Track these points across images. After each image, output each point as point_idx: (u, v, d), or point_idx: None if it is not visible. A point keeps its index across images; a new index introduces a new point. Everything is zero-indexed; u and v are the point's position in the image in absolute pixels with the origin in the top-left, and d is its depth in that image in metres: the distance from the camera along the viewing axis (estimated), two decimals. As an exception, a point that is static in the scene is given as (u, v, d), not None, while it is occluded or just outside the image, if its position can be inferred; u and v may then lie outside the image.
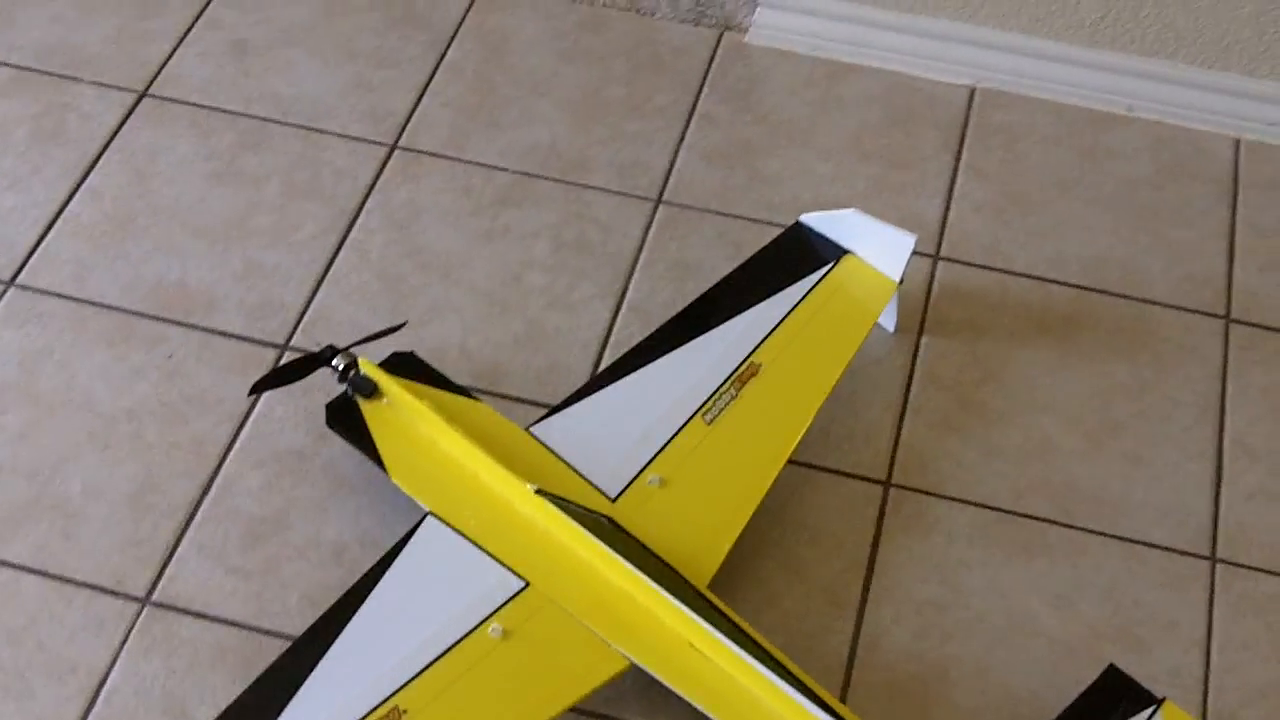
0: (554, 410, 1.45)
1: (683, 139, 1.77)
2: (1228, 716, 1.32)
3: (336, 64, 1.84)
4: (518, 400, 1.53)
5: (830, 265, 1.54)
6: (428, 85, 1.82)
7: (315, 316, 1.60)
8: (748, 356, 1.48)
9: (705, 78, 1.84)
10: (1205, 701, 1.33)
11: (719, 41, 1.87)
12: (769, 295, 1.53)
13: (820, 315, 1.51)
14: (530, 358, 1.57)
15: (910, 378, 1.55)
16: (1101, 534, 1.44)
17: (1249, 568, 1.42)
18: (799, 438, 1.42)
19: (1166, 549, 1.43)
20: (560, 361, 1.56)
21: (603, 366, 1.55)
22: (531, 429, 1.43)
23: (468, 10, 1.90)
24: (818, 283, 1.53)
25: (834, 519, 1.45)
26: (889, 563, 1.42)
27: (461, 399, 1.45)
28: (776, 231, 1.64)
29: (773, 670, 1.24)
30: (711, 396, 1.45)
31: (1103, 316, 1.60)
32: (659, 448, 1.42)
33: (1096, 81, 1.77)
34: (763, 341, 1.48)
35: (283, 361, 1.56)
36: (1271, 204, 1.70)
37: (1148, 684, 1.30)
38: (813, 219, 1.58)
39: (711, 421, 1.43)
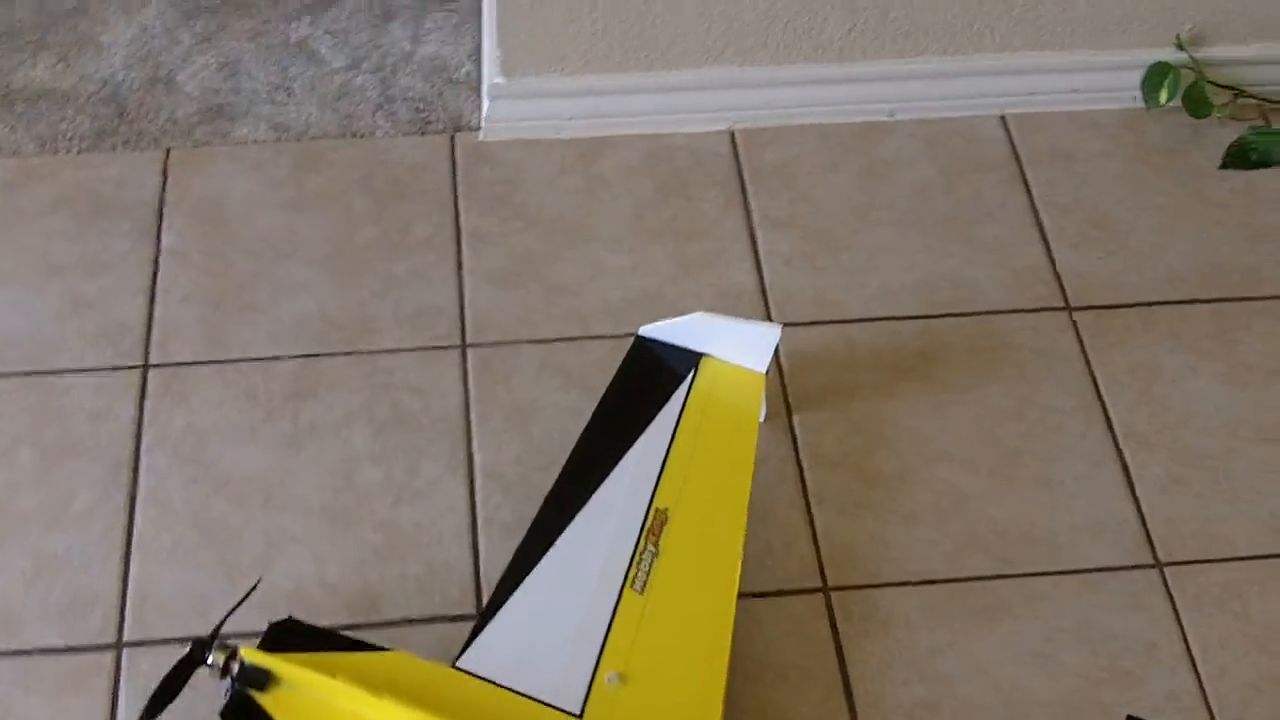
0: (474, 634, 1.28)
1: (460, 267, 1.60)
2: (1237, 722, 1.33)
3: (38, 285, 1.57)
4: (411, 623, 1.35)
5: (691, 374, 1.43)
6: (154, 283, 1.58)
7: (139, 598, 1.36)
8: (650, 505, 1.35)
9: (456, 191, 1.67)
10: (1212, 715, 1.32)
11: (453, 147, 1.70)
12: (643, 428, 1.40)
13: (704, 434, 1.40)
14: (401, 568, 1.38)
15: (800, 466, 1.46)
16: (1048, 573, 1.40)
17: (1192, 562, 1.41)
18: (738, 574, 1.32)
19: (1114, 569, 1.40)
20: (435, 561, 1.39)
21: (482, 550, 1.39)
22: (459, 664, 1.26)
23: (163, 184, 1.66)
24: (686, 398, 1.42)
25: (790, 647, 1.35)
26: (863, 675, 1.33)
27: (371, 654, 1.26)
28: (600, 346, 1.52)
29: None
30: (632, 562, 1.31)
31: (952, 341, 1.56)
32: (601, 640, 1.28)
33: (854, 95, 1.71)
34: (658, 483, 1.36)
35: (124, 665, 1.32)
36: (1059, 175, 1.69)
37: (1156, 716, 1.28)
38: (655, 330, 1.45)
39: (643, 589, 1.30)
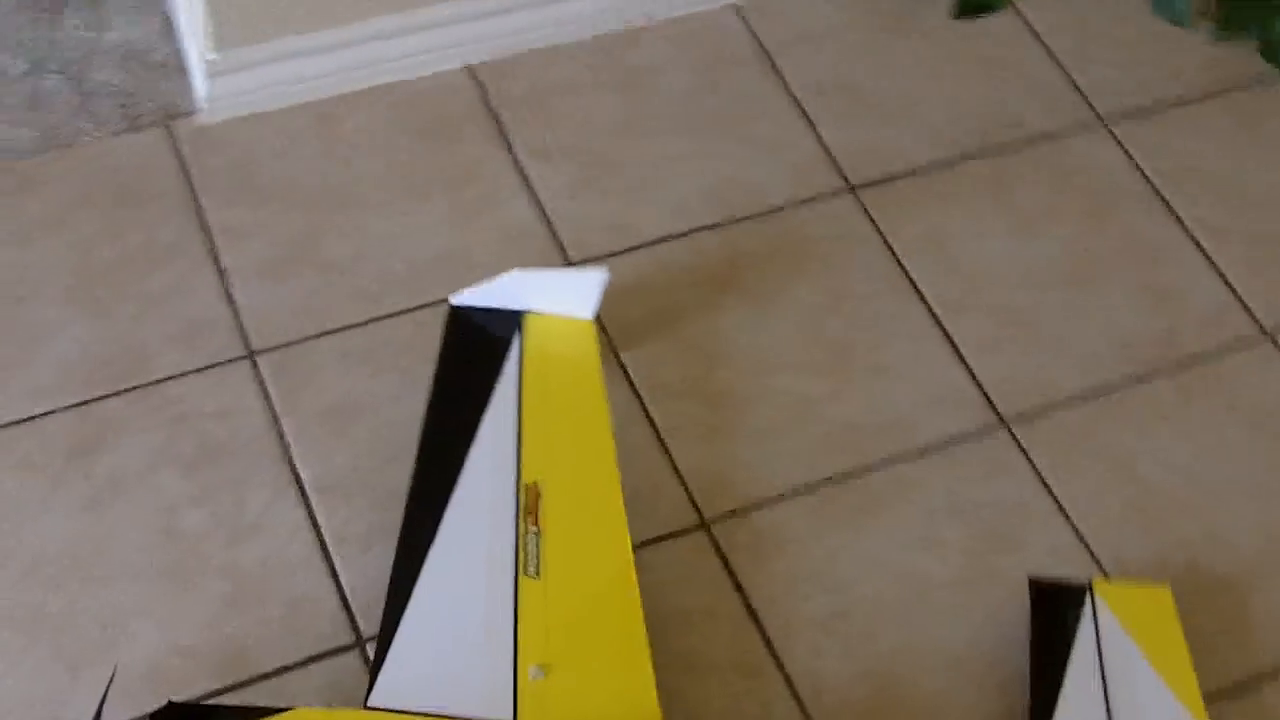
0: (375, 667, 1.17)
1: (219, 267, 1.45)
2: (1119, 558, 1.36)
3: None
4: (289, 670, 1.23)
5: (518, 337, 1.35)
6: (-127, 359, 1.37)
7: (-27, 723, 1.19)
8: (518, 484, 1.27)
9: (190, 185, 1.50)
10: (1096, 559, 1.36)
11: (173, 137, 1.53)
12: (486, 405, 1.31)
13: (550, 395, 1.32)
14: (259, 612, 1.26)
15: (643, 403, 1.40)
16: (907, 457, 1.40)
17: (1034, 415, 1.44)
18: (627, 534, 1.26)
19: (965, 437, 1.42)
20: (294, 595, 1.27)
21: (340, 571, 1.28)
22: (370, 704, 1.16)
23: None
24: (521, 362, 1.34)
25: (687, 590, 1.31)
26: (767, 600, 1.30)
27: (271, 720, 1.15)
28: (400, 323, 1.42)
29: None
30: (518, 549, 1.24)
31: (754, 246, 1.52)
32: (512, 637, 1.20)
33: (590, 8, 1.63)
34: (520, 459, 1.28)
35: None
36: (807, 57, 1.67)
37: (1047, 572, 1.31)
38: (469, 297, 1.36)
39: (538, 573, 1.23)
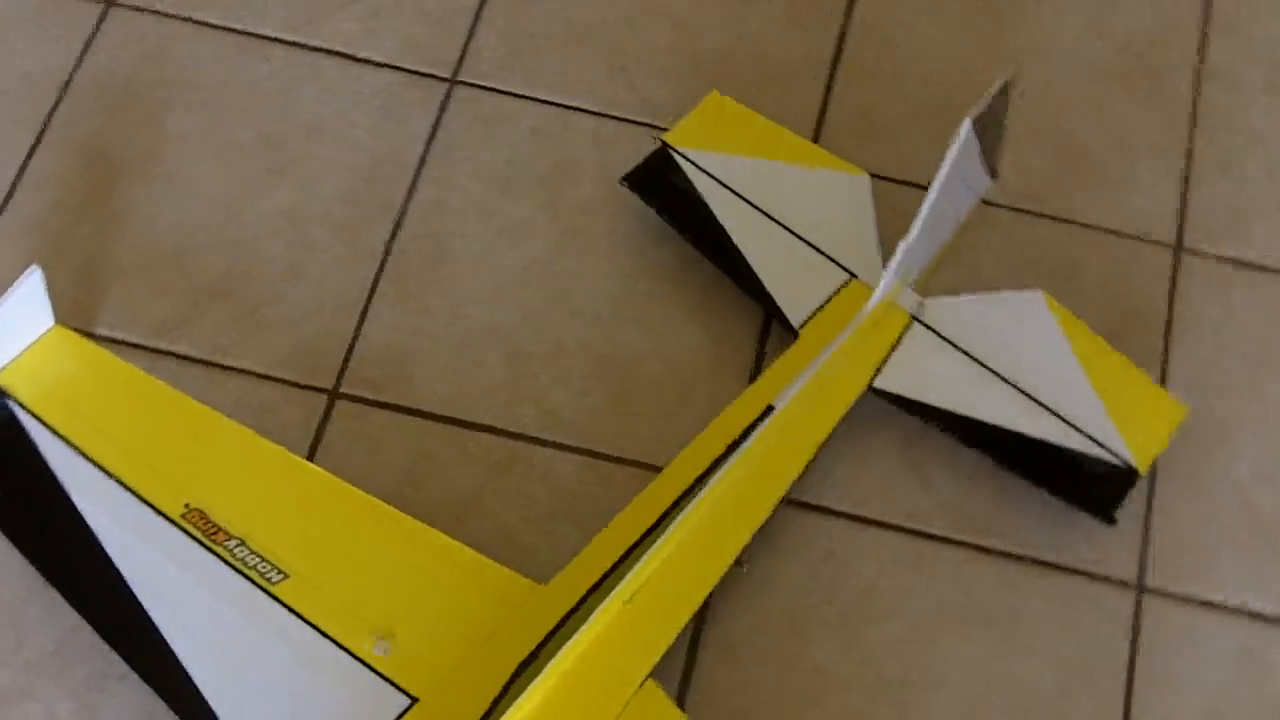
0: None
1: None
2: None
3: None
4: None
5: (10, 409, 1.06)
6: None
7: None
8: (172, 523, 1.02)
9: None
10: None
11: None
12: (59, 491, 1.03)
13: (106, 426, 1.05)
14: None
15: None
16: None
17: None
18: (308, 466, 1.05)
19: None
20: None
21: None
22: None
23: None
24: (44, 426, 1.05)
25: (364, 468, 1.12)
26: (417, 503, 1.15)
27: None
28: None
29: None
30: (239, 571, 1.00)
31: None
32: (326, 644, 0.99)
33: None
34: (148, 506, 1.03)
35: None
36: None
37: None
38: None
39: (282, 573, 1.00)
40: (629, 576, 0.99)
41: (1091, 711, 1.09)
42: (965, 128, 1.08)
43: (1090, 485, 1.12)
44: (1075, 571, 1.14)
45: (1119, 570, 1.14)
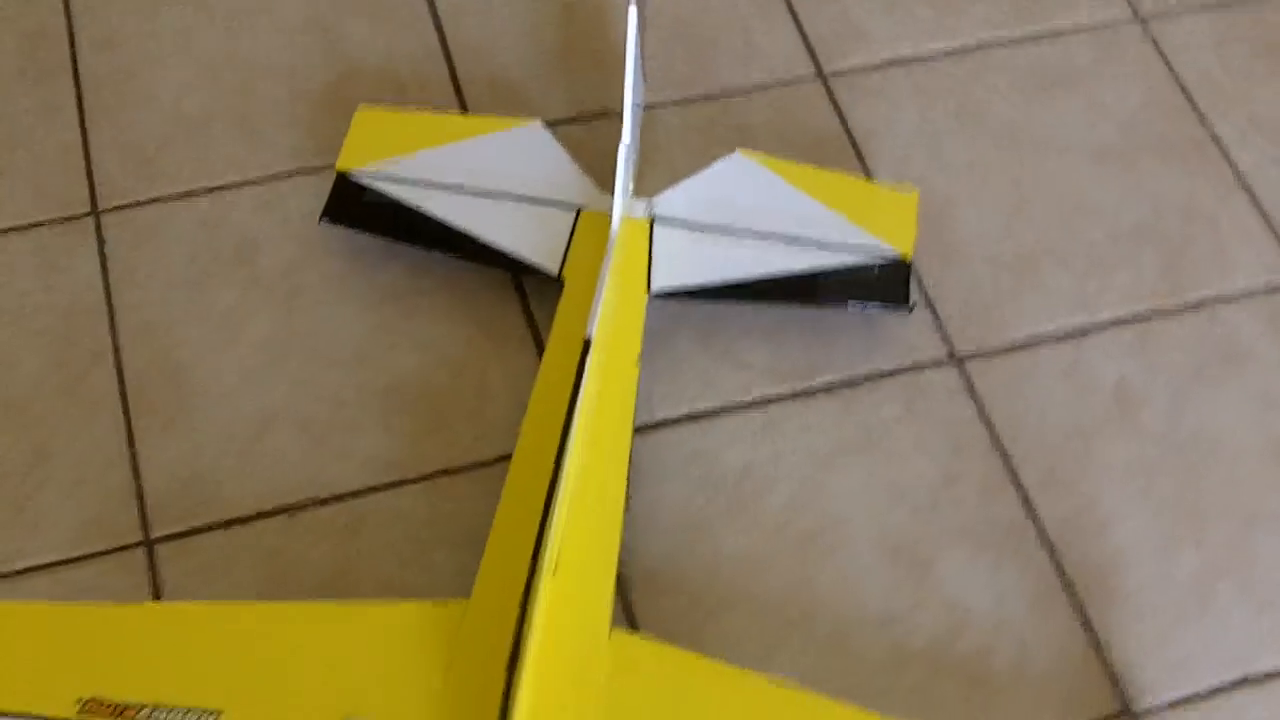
0: None
1: None
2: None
3: None
4: None
5: None
6: None
7: None
8: None
9: None
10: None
11: None
12: None
13: None
14: None
15: None
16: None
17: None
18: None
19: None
20: None
21: None
22: None
23: None
24: None
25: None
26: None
27: None
28: None
29: None
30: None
31: None
32: None
33: None
34: None
35: None
36: None
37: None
38: None
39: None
40: (546, 550, 0.95)
41: (981, 477, 1.14)
42: (632, 13, 1.11)
43: (875, 289, 1.17)
44: (898, 372, 1.19)
45: (932, 352, 1.20)
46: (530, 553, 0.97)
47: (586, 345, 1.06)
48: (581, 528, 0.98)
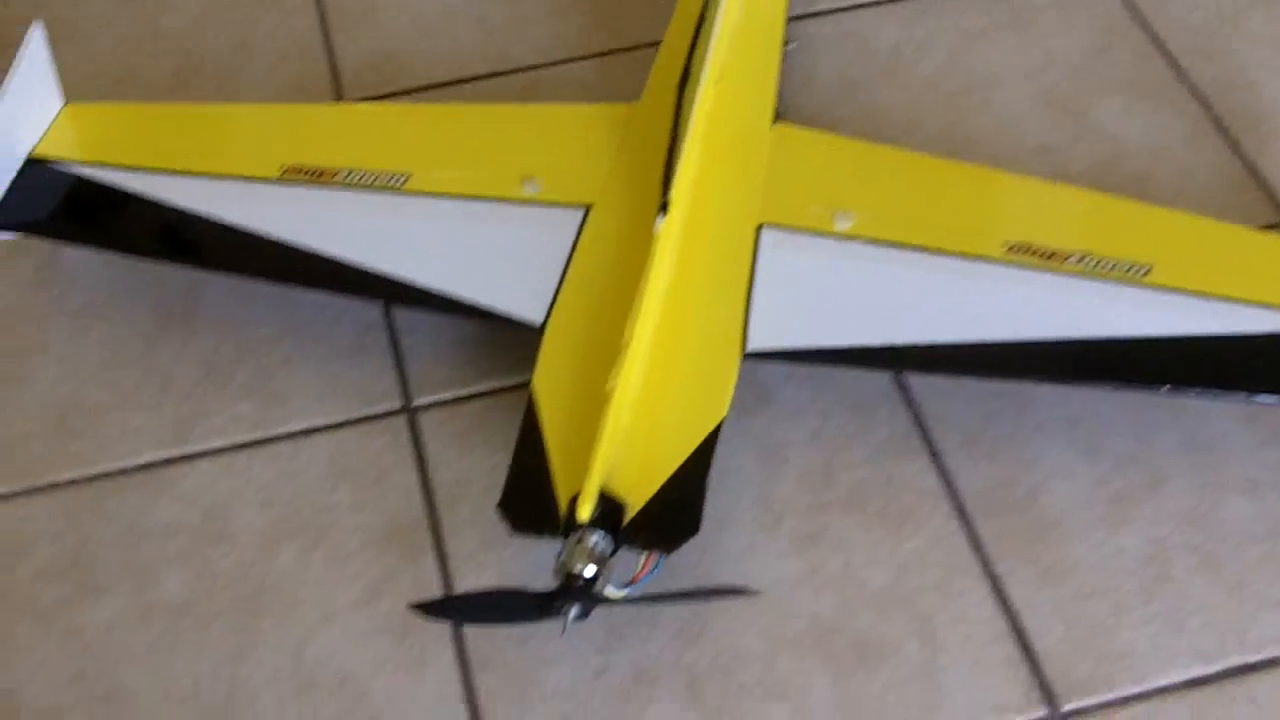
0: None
1: None
2: None
3: None
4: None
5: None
6: None
7: None
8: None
9: None
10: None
11: None
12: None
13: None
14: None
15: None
16: None
17: None
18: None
19: None
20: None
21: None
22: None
23: None
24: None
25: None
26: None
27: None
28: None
29: None
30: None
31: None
32: None
33: None
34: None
35: None
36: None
37: None
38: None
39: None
40: (707, 61, 1.01)
41: (1131, 47, 1.17)
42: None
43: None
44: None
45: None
46: (695, 67, 1.03)
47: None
48: (743, 52, 1.05)
